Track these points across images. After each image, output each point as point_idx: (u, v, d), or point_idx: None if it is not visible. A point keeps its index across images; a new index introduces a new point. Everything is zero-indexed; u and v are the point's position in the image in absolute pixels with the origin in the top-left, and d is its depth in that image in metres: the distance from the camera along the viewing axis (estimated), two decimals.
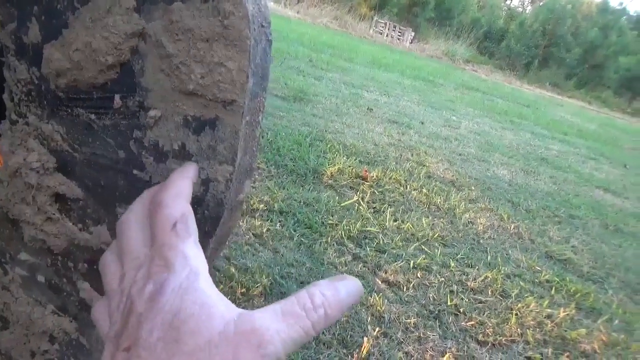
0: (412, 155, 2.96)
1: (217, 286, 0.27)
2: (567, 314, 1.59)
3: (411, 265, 1.64)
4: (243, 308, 0.24)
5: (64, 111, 0.36)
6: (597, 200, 3.33)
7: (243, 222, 1.61)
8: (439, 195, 2.35)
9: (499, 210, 2.42)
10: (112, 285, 0.28)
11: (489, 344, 1.35)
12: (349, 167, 2.35)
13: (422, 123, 4.05)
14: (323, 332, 1.19)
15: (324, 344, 1.17)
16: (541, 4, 27.06)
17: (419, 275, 1.60)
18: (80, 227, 0.38)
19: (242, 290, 1.27)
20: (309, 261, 1.50)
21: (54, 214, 0.38)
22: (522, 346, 1.38)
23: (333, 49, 7.79)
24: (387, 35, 17.59)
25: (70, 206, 0.38)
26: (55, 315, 0.42)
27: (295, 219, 1.74)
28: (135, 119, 0.33)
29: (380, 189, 2.25)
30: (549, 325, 1.51)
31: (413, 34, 18.57)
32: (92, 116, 0.35)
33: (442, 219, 2.11)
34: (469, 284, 1.63)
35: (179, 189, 0.28)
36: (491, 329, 1.40)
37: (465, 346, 1.31)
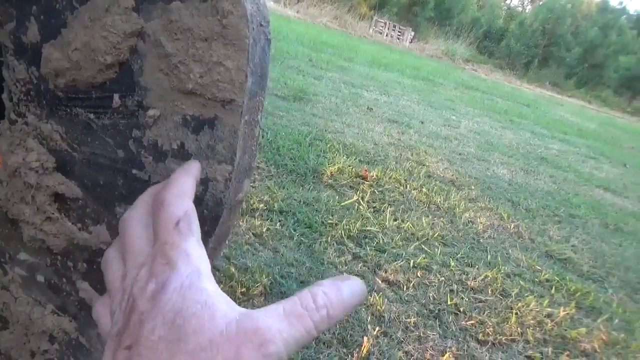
0: (412, 154, 2.96)
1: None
2: (567, 313, 1.60)
3: (411, 264, 1.64)
4: (243, 307, 0.24)
5: (63, 111, 0.36)
6: (597, 199, 3.33)
7: (243, 221, 1.61)
8: (438, 195, 2.35)
9: (498, 209, 2.42)
10: (114, 284, 0.28)
11: (489, 343, 1.35)
12: (349, 166, 2.35)
13: (422, 122, 4.05)
14: (323, 332, 1.19)
15: (324, 343, 1.17)
16: (541, 3, 27.06)
17: (419, 274, 1.60)
18: (79, 226, 0.38)
19: (242, 290, 1.27)
20: (309, 261, 1.50)
21: (53, 213, 0.38)
22: (522, 345, 1.38)
23: (333, 48, 7.78)
24: (386, 35, 17.58)
25: (70, 206, 0.38)
26: (55, 315, 0.42)
27: (295, 218, 1.74)
28: (134, 119, 0.33)
29: (380, 189, 2.25)
30: (549, 325, 1.51)
31: (413, 33, 18.56)
32: (91, 116, 0.35)
33: (442, 219, 2.11)
34: (469, 283, 1.63)
35: (182, 187, 0.28)
36: (491, 328, 1.40)
37: (465, 345, 1.31)
